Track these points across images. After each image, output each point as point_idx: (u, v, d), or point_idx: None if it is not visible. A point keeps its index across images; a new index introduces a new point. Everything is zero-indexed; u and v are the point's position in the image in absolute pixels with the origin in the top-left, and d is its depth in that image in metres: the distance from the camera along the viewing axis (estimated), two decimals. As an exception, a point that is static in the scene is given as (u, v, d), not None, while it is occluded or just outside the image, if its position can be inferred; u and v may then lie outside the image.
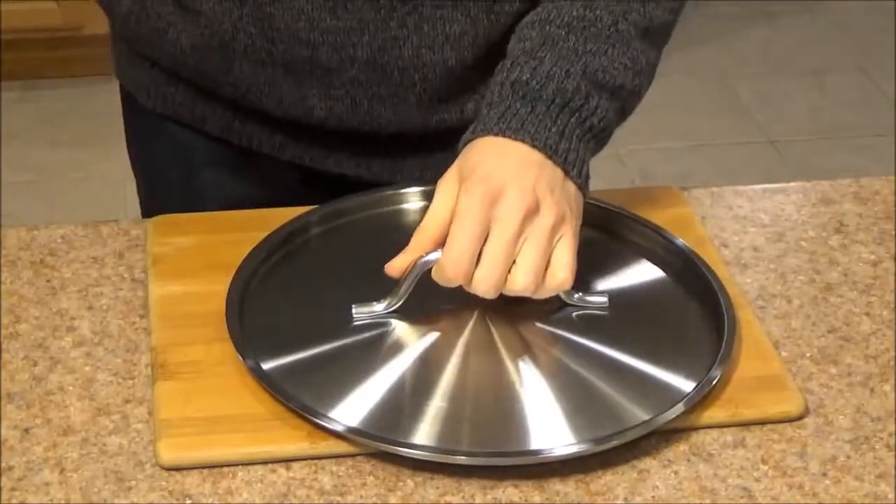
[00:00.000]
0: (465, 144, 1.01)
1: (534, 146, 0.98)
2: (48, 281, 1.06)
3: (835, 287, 1.08)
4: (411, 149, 1.21)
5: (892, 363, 1.01)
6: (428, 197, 1.11)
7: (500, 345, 0.99)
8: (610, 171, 2.70)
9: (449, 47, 1.13)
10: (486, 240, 0.95)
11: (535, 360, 0.98)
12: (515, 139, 0.99)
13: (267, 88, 1.16)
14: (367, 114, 1.16)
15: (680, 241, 1.07)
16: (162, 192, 1.31)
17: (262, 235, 1.06)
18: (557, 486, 0.90)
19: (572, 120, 1.00)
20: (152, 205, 1.32)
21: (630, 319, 1.02)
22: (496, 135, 0.99)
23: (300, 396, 0.92)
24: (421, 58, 1.13)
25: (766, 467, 0.92)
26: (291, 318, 1.01)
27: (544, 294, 0.97)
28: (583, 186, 1.00)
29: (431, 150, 1.20)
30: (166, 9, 1.15)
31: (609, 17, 1.04)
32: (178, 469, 0.90)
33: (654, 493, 0.90)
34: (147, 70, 1.23)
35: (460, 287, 1.00)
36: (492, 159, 0.98)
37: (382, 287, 1.00)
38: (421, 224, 0.98)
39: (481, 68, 1.16)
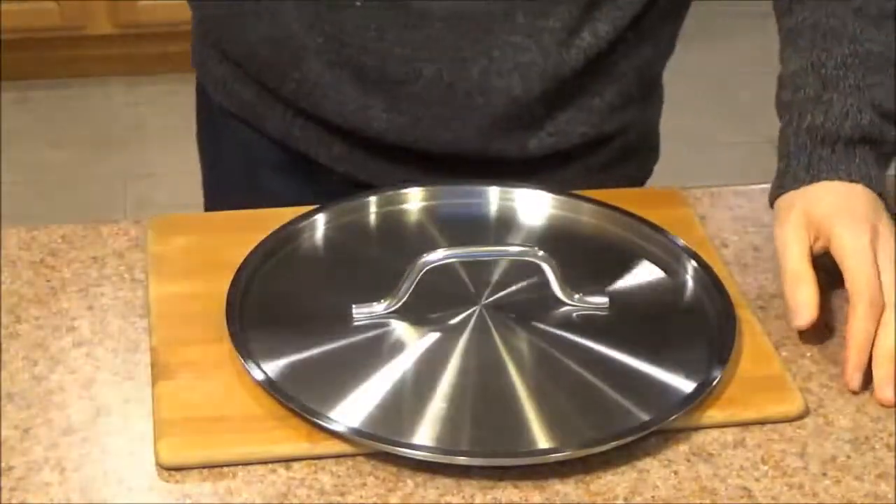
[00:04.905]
0: (777, 198, 1.07)
1: (851, 181, 1.04)
2: (48, 281, 1.06)
3: (835, 287, 1.08)
4: (465, 174, 1.16)
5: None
6: (429, 197, 1.12)
7: (500, 345, 0.98)
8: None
9: (517, 75, 1.13)
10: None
11: (535, 360, 0.98)
12: (845, 180, 1.05)
13: (331, 91, 1.16)
14: (426, 131, 1.16)
15: (680, 241, 1.07)
16: (226, 185, 1.32)
17: (262, 235, 1.06)
18: (557, 486, 0.90)
19: (871, 150, 1.06)
20: (215, 197, 1.34)
21: (630, 320, 1.02)
22: (810, 182, 1.05)
23: (300, 396, 0.92)
24: (488, 82, 1.13)
25: (766, 467, 0.92)
26: (291, 318, 1.01)
27: None
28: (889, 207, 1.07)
29: (485, 178, 1.14)
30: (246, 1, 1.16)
31: (877, 48, 1.08)
32: (178, 469, 0.90)
33: (654, 493, 0.90)
34: (218, 63, 1.24)
35: (459, 287, 1.02)
36: (845, 200, 1.04)
37: (382, 287, 1.00)
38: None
39: (547, 102, 1.15)
